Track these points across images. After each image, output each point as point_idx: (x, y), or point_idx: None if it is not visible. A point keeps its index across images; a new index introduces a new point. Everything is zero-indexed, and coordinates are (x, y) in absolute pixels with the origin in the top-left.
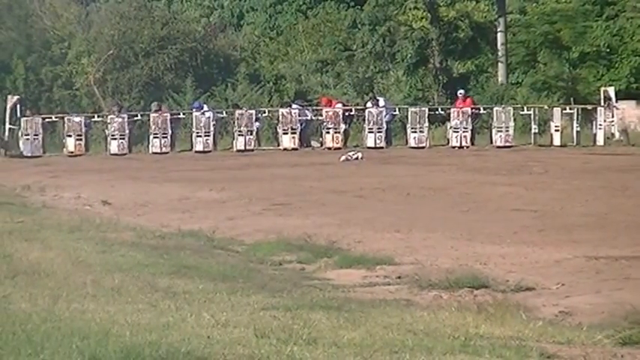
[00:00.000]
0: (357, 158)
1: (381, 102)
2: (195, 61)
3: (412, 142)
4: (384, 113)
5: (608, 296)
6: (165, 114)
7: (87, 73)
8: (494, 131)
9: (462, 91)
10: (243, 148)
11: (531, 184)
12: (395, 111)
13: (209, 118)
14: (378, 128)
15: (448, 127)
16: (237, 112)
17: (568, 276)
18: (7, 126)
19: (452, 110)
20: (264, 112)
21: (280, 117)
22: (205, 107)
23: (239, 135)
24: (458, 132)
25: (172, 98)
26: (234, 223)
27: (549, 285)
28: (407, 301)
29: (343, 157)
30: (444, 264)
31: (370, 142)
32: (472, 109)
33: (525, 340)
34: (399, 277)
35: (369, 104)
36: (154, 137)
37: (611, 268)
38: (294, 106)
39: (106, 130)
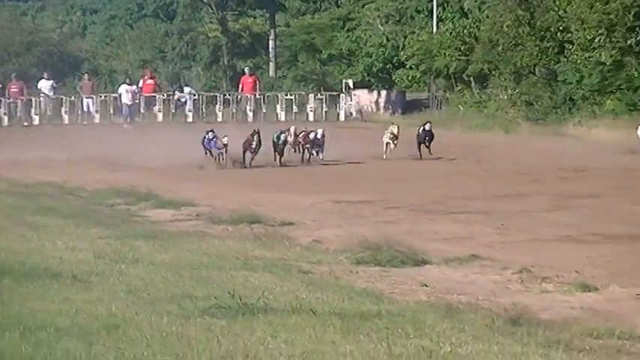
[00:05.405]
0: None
1: (186, 89)
2: (52, 59)
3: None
4: (189, 97)
5: (347, 229)
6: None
7: None
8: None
9: (247, 68)
10: (86, 122)
11: None
12: (195, 96)
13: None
14: (189, 109)
15: (234, 108)
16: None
17: (319, 215)
18: None
19: (242, 96)
20: (101, 97)
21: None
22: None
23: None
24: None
25: (35, 86)
26: (80, 177)
27: (305, 221)
28: (203, 232)
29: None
30: (231, 206)
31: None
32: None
33: (288, 260)
34: (198, 215)
35: (177, 92)
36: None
37: (350, 209)
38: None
39: None
